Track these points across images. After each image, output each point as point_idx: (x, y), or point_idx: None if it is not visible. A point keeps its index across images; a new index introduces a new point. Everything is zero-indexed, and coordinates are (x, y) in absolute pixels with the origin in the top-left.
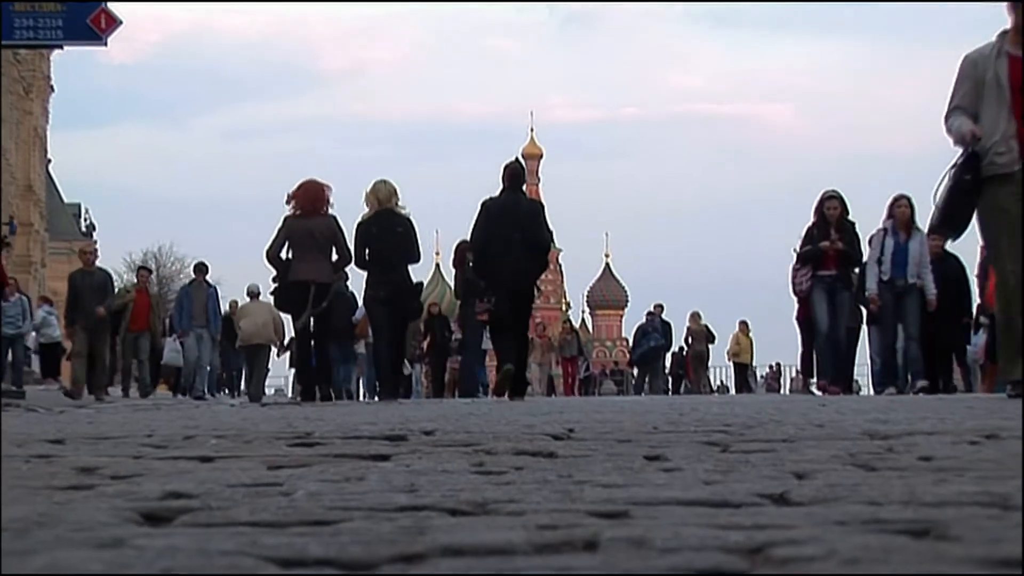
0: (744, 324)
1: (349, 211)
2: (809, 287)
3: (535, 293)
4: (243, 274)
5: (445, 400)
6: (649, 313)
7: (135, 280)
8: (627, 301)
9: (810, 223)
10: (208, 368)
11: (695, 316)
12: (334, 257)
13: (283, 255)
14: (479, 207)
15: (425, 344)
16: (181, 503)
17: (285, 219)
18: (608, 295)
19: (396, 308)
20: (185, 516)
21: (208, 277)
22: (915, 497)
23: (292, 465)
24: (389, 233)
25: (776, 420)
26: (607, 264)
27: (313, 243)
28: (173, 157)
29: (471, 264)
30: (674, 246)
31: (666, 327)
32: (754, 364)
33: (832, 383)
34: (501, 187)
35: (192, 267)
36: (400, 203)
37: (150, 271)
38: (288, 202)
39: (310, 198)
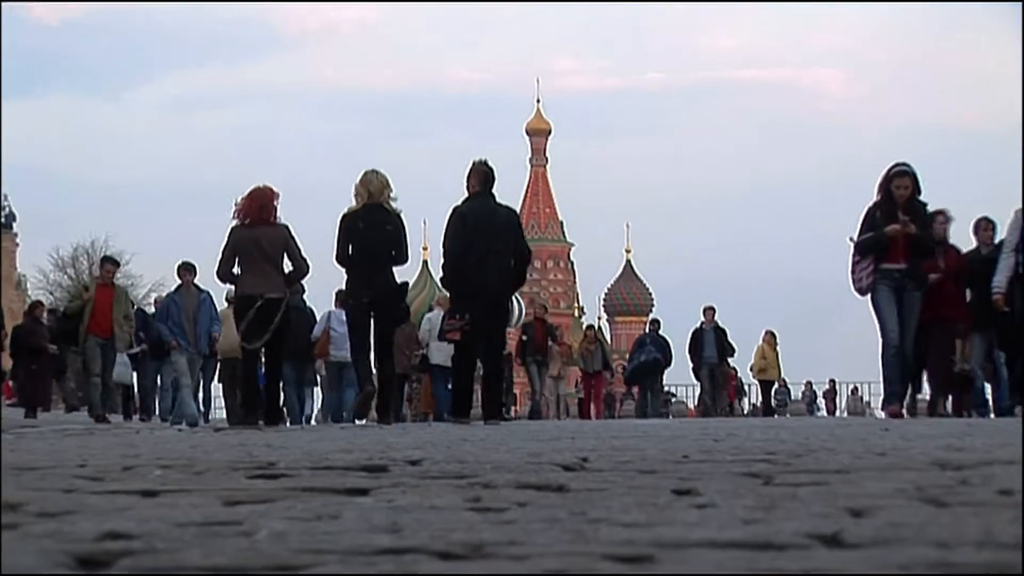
0: (770, 335)
1: (322, 195)
2: (871, 283)
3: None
4: (197, 275)
5: (433, 424)
6: (650, 325)
7: (97, 274)
8: (652, 305)
9: (871, 203)
10: (190, 390)
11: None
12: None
13: (236, 270)
14: (451, 215)
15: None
16: (121, 545)
17: (231, 230)
18: (630, 298)
19: (381, 313)
20: (126, 560)
21: (197, 280)
22: (991, 537)
23: (252, 500)
24: (377, 229)
25: (829, 447)
26: (628, 261)
27: (261, 254)
28: (109, 134)
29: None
30: (710, 238)
31: (664, 343)
32: (784, 380)
33: (897, 402)
34: (469, 192)
35: (177, 268)
36: (393, 197)
37: (117, 263)
38: (235, 213)
39: (256, 206)
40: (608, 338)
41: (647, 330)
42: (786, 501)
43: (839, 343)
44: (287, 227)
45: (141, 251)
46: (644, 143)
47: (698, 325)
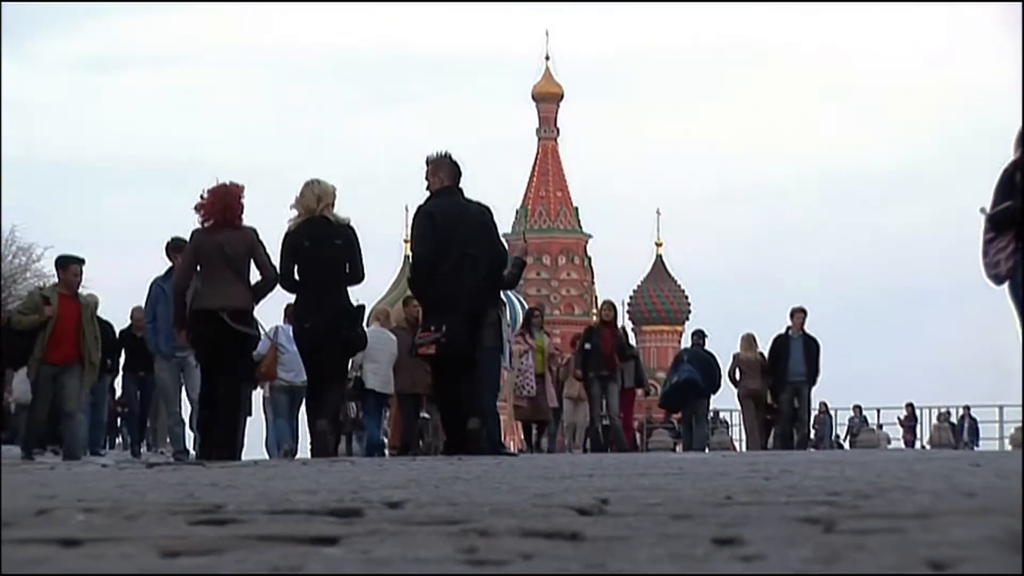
0: None
1: (278, 178)
2: (1011, 266)
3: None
4: (124, 273)
5: (419, 459)
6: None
7: (56, 280)
8: (689, 312)
9: (1009, 163)
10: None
11: (748, 340)
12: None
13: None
14: (417, 215)
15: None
16: None
17: (192, 234)
18: (661, 303)
19: (330, 340)
20: None
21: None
22: None
23: (195, 551)
24: (325, 246)
25: (906, 486)
26: (659, 257)
27: (224, 261)
28: (9, 98)
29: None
30: (761, 228)
31: (706, 360)
32: (825, 404)
33: None
34: (432, 188)
35: (165, 247)
36: (335, 208)
37: (82, 261)
38: (197, 212)
39: (220, 206)
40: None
41: (690, 343)
42: (851, 552)
43: (922, 356)
44: (254, 230)
45: (57, 244)
46: (678, 111)
47: (782, 332)
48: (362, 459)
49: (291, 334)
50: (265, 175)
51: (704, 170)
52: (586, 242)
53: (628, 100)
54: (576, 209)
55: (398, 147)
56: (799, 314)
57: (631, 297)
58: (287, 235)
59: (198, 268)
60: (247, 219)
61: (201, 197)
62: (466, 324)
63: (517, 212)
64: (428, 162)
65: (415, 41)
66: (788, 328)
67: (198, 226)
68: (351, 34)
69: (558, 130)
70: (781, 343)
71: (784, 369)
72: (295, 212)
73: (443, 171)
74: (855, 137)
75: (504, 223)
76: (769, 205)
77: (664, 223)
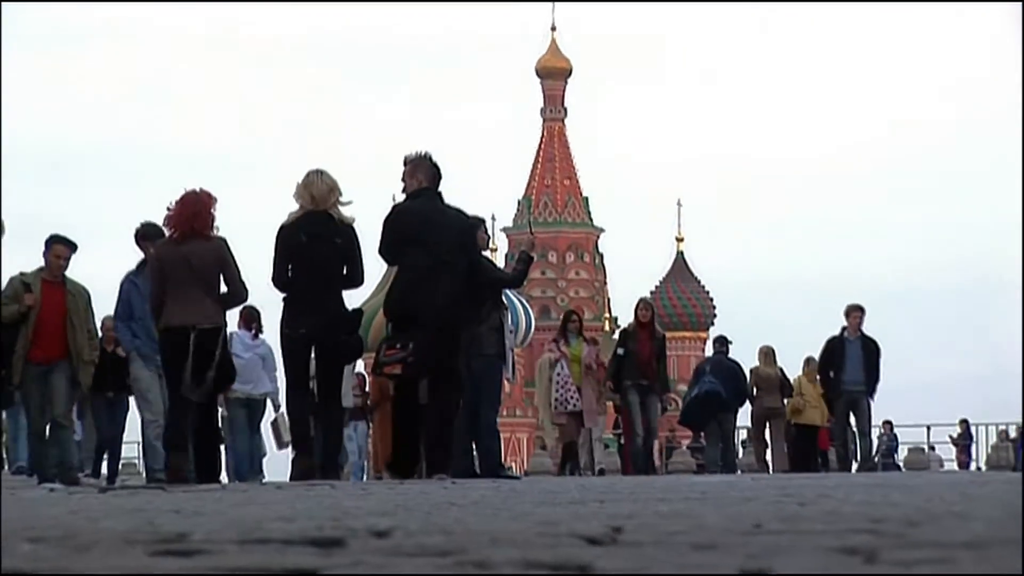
0: (811, 365)
1: (251, 172)
2: None
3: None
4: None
5: (407, 483)
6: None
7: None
8: (714, 316)
9: None
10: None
11: (767, 354)
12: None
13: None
14: (388, 216)
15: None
16: None
17: (157, 248)
18: (682, 306)
19: (325, 349)
20: None
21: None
22: None
23: None
24: (323, 244)
25: (958, 512)
26: (680, 254)
27: (190, 275)
28: None
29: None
30: (796, 221)
31: (731, 370)
32: (890, 426)
33: None
34: (408, 190)
35: (135, 234)
36: (344, 202)
37: (72, 245)
38: (166, 225)
39: (188, 214)
40: None
41: (712, 351)
42: None
43: (978, 366)
44: (224, 241)
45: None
46: (702, 88)
47: (837, 333)
48: (344, 483)
49: (248, 341)
50: (251, 160)
51: (732, 155)
52: (597, 237)
53: (645, 75)
54: (586, 200)
55: (388, 130)
56: (856, 313)
57: (650, 298)
58: (282, 228)
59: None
60: (226, 227)
61: (168, 208)
62: (434, 340)
63: (519, 203)
64: (406, 162)
65: (403, 11)
66: (843, 329)
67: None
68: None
69: (565, 110)
70: (835, 347)
71: (839, 377)
72: (299, 201)
73: (421, 172)
74: (913, 111)
75: (504, 216)
76: (807, 194)
77: (686, 215)
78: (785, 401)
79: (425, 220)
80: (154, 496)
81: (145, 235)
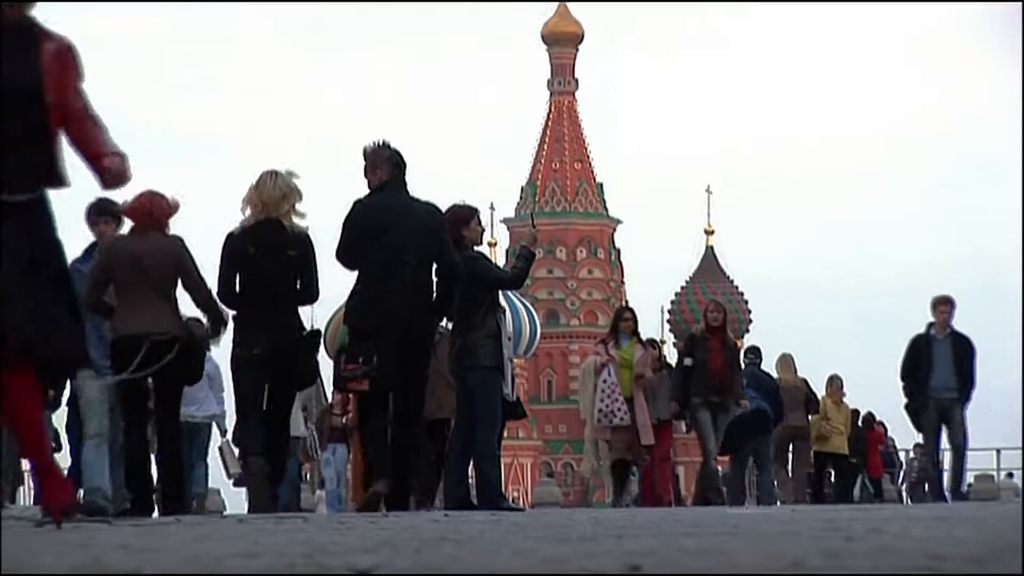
0: (835, 384)
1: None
2: None
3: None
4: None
5: (393, 515)
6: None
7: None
8: (748, 321)
9: None
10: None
11: (787, 362)
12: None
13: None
14: (349, 213)
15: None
16: None
17: (103, 244)
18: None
19: (280, 373)
20: None
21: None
22: None
23: None
24: (275, 255)
25: None
26: (710, 249)
27: (143, 277)
28: None
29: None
30: (842, 210)
31: (769, 386)
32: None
33: None
34: (371, 185)
35: (86, 212)
36: (299, 212)
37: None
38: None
39: (143, 210)
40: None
41: (744, 365)
42: None
43: None
44: (180, 240)
45: None
46: (733, 57)
47: (923, 331)
48: (318, 515)
49: None
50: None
51: (771, 134)
52: (613, 229)
53: (667, 41)
54: (600, 186)
55: (368, 104)
56: (943, 306)
57: (673, 302)
58: (229, 238)
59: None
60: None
61: (124, 202)
62: (395, 350)
63: (523, 189)
64: (364, 155)
65: None
66: (929, 326)
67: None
68: None
69: (576, 82)
70: (921, 346)
71: (925, 383)
72: (249, 208)
73: (381, 165)
74: (973, 80)
75: (505, 205)
76: (854, 178)
77: (716, 204)
78: (810, 419)
79: (388, 217)
80: (98, 531)
81: (100, 211)
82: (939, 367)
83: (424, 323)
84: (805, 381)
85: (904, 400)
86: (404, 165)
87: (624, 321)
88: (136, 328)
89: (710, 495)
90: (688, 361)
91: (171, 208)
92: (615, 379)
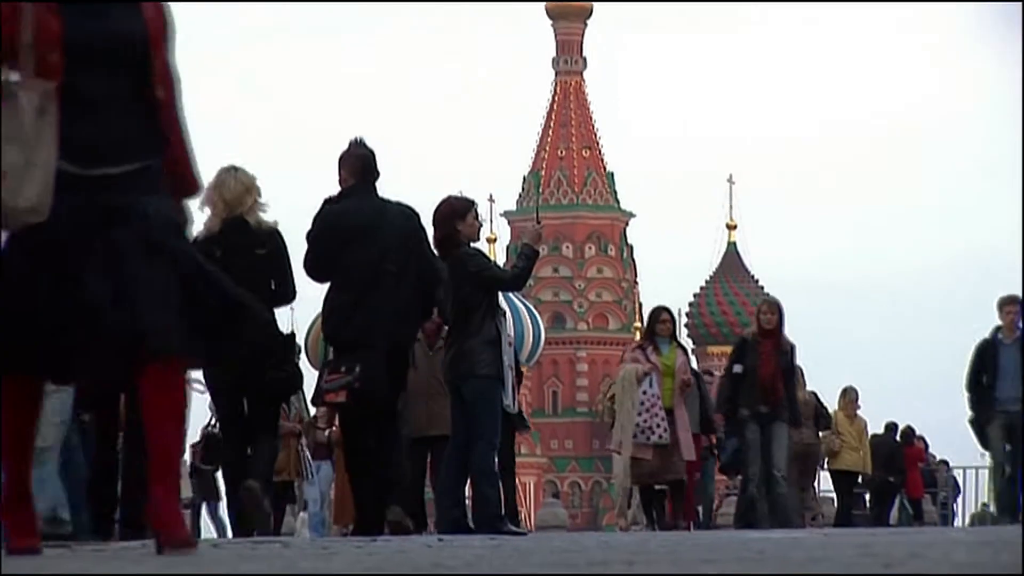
0: (849, 396)
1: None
2: None
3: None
4: None
5: (381, 540)
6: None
7: None
8: (781, 323)
9: None
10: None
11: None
12: None
13: None
14: (316, 218)
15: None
16: None
17: None
18: (733, 311)
19: (254, 380)
20: None
21: None
22: None
23: None
24: (243, 256)
25: None
26: (732, 245)
27: None
28: None
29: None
30: (873, 202)
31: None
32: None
33: None
34: (342, 186)
35: None
36: (262, 206)
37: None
38: None
39: None
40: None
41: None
42: None
43: None
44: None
45: None
46: (756, 33)
47: (989, 336)
48: (300, 540)
49: None
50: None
51: (797, 119)
52: (625, 224)
53: (684, 16)
54: (610, 176)
55: (358, 88)
56: (1010, 307)
57: (692, 304)
58: (193, 243)
59: None
60: None
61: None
62: (385, 362)
63: (526, 179)
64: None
65: None
66: (996, 329)
67: None
68: None
69: (584, 60)
70: (987, 352)
71: (991, 392)
72: (209, 208)
73: (345, 167)
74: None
75: (506, 196)
76: (892, 168)
77: (739, 196)
78: (820, 435)
79: (358, 222)
80: (57, 558)
81: None
82: (1006, 375)
83: (411, 335)
84: (814, 395)
85: (969, 413)
86: (373, 164)
87: (662, 323)
88: None
89: (747, 516)
90: (737, 368)
91: None
92: (657, 391)
